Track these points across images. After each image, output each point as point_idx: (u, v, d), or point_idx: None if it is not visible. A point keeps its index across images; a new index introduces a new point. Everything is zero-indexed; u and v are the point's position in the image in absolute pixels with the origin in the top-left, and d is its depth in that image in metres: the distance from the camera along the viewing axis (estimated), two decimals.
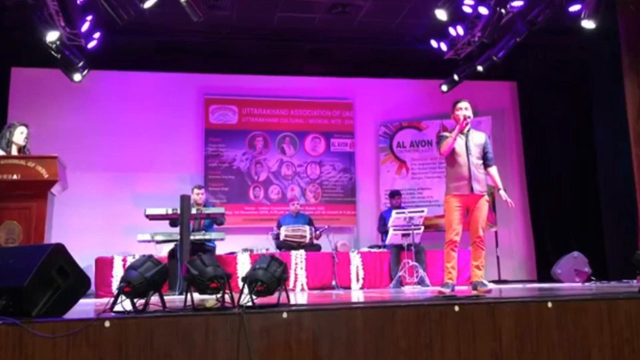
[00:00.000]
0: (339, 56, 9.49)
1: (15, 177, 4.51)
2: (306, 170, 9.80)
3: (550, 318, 3.32)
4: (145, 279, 3.12)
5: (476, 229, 5.00)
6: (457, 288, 5.02)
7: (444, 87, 9.33)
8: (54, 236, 4.75)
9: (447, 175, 5.17)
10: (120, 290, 3.11)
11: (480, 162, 5.06)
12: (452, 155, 5.06)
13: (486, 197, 5.03)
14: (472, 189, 4.96)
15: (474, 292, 4.73)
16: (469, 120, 5.06)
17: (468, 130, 5.08)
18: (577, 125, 9.55)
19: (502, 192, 5.10)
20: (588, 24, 7.06)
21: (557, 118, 9.76)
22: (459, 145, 5.03)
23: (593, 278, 7.52)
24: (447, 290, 4.78)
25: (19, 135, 5.05)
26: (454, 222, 4.98)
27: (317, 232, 7.94)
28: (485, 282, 5.04)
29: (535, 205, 9.83)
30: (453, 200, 5.01)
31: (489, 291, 4.79)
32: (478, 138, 5.11)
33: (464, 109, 5.10)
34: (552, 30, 7.89)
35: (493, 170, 5.13)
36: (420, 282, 7.29)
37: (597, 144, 8.80)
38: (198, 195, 7.51)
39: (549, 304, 3.36)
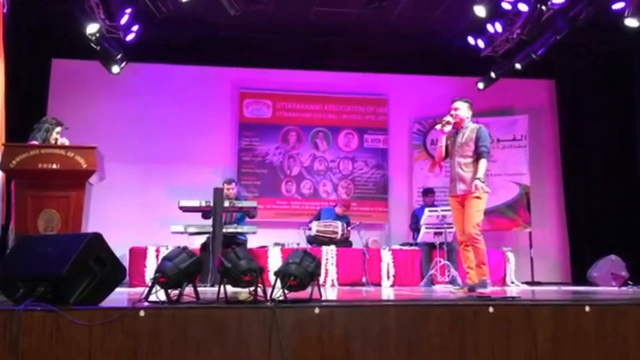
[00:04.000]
0: (374, 52, 9.41)
1: (54, 166, 4.61)
2: (339, 165, 9.78)
3: (589, 322, 3.25)
4: (179, 270, 3.14)
5: (461, 230, 5.03)
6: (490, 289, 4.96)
7: (481, 85, 9.19)
8: (90, 225, 4.83)
9: None
10: (155, 281, 3.14)
11: (469, 160, 4.99)
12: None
13: (475, 194, 4.91)
14: (457, 189, 5.02)
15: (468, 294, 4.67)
16: (444, 129, 5.05)
17: (461, 128, 5.07)
18: (617, 125, 9.30)
19: (476, 182, 4.89)
20: (631, 22, 6.88)
21: (596, 117, 9.52)
22: (449, 146, 5.14)
23: (630, 282, 7.36)
24: (483, 290, 4.73)
25: (55, 135, 5.27)
26: (455, 223, 5.14)
27: (348, 229, 7.91)
28: (487, 282, 4.94)
29: (572, 205, 9.63)
30: (451, 201, 5.16)
31: (487, 295, 4.43)
32: (469, 134, 5.04)
33: (452, 109, 5.12)
34: (592, 27, 7.69)
35: (479, 162, 4.96)
36: (452, 281, 7.20)
37: (637, 144, 8.58)
38: (228, 190, 7.48)
39: (587, 308, 3.29)
